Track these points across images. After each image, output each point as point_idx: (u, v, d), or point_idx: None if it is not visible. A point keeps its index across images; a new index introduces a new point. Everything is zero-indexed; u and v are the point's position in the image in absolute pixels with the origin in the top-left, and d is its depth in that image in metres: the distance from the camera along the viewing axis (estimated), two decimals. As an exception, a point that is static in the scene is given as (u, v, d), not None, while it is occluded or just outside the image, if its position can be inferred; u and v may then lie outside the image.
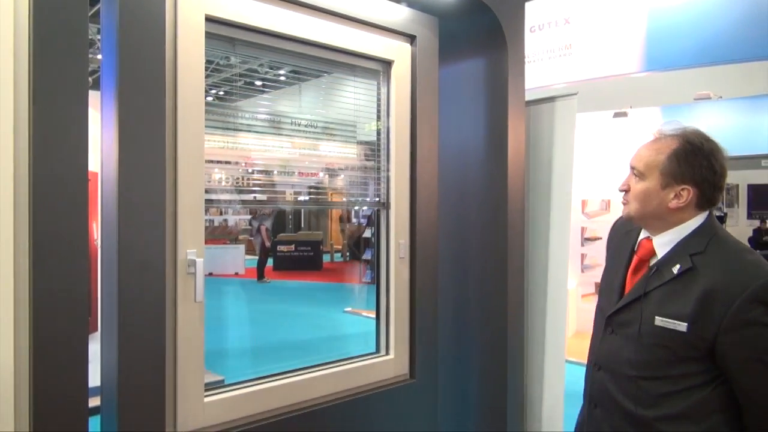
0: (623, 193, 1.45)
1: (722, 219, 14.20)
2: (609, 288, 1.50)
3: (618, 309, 1.43)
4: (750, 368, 1.27)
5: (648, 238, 1.44)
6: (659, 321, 1.32)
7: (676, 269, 1.34)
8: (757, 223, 14.13)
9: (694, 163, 1.33)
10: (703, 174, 1.33)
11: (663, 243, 1.39)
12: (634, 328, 1.37)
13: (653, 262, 1.41)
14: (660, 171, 1.35)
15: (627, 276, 1.46)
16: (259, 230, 11.30)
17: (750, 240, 13.01)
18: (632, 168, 1.42)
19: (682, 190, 1.34)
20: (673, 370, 1.32)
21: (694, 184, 1.33)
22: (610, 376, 1.42)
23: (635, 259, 1.46)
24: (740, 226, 14.44)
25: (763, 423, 1.30)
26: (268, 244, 11.39)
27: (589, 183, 6.61)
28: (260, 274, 11.16)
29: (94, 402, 1.54)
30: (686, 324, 1.28)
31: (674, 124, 1.42)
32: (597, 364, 1.47)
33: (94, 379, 1.55)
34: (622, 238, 1.55)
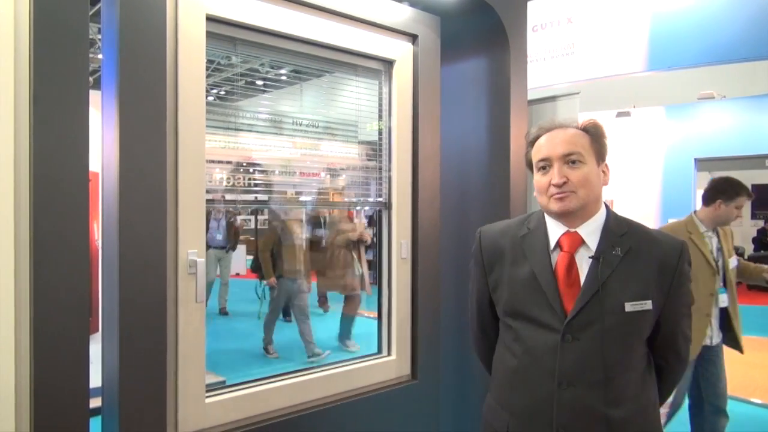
0: (557, 188, 1.32)
1: (726, 219, 14.15)
2: (536, 298, 1.34)
3: (577, 312, 1.29)
4: (682, 322, 1.36)
5: (569, 232, 1.35)
6: (629, 307, 1.28)
7: (617, 252, 1.31)
8: (761, 223, 14.08)
9: (604, 142, 1.37)
10: (606, 151, 1.38)
11: (591, 231, 1.34)
12: (599, 324, 1.28)
13: (584, 253, 1.34)
14: (593, 151, 1.34)
15: (559, 277, 1.32)
16: None
17: (754, 240, 12.96)
18: (568, 155, 1.31)
19: (605, 167, 1.38)
20: (636, 355, 1.33)
21: (605, 161, 1.37)
22: (585, 388, 1.28)
23: (564, 256, 1.34)
24: (744, 227, 14.39)
25: (679, 374, 1.42)
26: None
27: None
28: None
29: (95, 403, 1.53)
30: (650, 301, 1.29)
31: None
32: (563, 382, 1.29)
33: (95, 379, 1.55)
34: (518, 244, 1.41)
